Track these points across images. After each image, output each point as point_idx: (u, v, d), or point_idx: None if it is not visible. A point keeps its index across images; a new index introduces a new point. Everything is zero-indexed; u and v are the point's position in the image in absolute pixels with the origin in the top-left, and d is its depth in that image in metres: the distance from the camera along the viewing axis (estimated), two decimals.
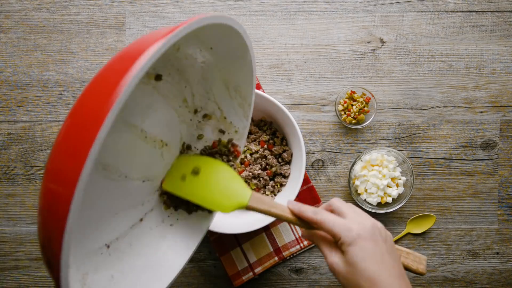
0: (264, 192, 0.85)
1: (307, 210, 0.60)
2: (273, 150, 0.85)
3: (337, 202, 0.62)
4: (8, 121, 0.89)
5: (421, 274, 0.62)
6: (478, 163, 0.90)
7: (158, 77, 0.60)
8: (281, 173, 0.85)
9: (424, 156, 0.90)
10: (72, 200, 0.38)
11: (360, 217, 0.59)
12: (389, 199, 0.85)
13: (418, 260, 0.62)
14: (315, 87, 0.90)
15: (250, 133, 0.86)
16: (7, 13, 0.89)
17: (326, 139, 0.90)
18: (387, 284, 0.54)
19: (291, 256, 0.89)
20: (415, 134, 0.90)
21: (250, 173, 0.84)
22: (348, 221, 0.58)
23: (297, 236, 0.89)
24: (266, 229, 0.89)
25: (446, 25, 0.90)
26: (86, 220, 0.56)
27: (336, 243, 0.57)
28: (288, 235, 0.89)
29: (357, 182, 0.86)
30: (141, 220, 0.65)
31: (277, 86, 0.90)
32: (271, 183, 0.85)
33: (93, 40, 0.89)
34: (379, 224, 0.59)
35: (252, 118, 0.86)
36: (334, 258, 0.57)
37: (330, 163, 0.90)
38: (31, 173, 0.89)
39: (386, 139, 0.90)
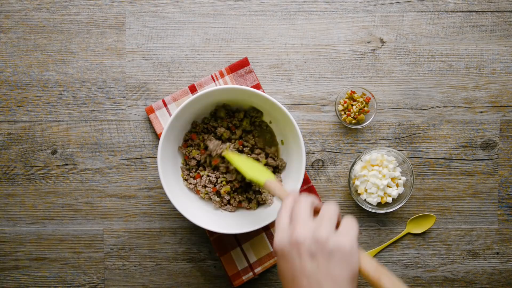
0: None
1: (282, 203, 0.57)
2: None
3: (299, 204, 0.54)
4: (8, 121, 0.89)
5: None
6: (478, 163, 0.90)
7: None
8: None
9: (424, 156, 0.90)
10: None
11: (297, 227, 0.51)
12: (389, 199, 0.85)
13: None
14: (315, 87, 0.90)
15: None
16: (7, 13, 0.89)
17: (326, 139, 0.90)
18: None
19: None
20: (415, 134, 0.90)
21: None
22: (281, 230, 0.52)
23: None
24: (266, 229, 0.89)
25: (446, 25, 0.90)
26: None
27: None
28: None
29: (357, 182, 0.86)
30: None
31: (277, 86, 0.90)
32: None
33: (93, 40, 0.89)
34: (309, 236, 0.49)
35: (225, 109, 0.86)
36: None
37: (330, 163, 0.90)
38: (31, 173, 0.89)
39: (386, 139, 0.90)
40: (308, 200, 0.54)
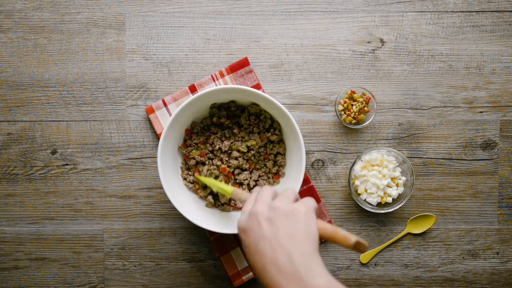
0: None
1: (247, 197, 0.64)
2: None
3: (255, 191, 0.62)
4: (8, 121, 0.89)
5: (348, 247, 0.52)
6: (478, 163, 0.90)
7: None
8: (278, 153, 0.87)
9: (424, 156, 0.90)
10: None
11: (252, 204, 0.57)
12: (389, 199, 0.85)
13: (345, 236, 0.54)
14: (315, 87, 0.90)
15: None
16: (7, 13, 0.89)
17: (326, 139, 0.90)
18: (260, 274, 0.52)
19: None
20: (415, 134, 0.90)
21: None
22: (248, 211, 0.58)
23: None
24: None
25: (446, 25, 0.90)
26: None
27: None
28: None
29: (357, 182, 0.86)
30: None
31: (277, 86, 0.90)
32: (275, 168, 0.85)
33: (93, 40, 0.89)
34: (265, 206, 0.55)
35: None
36: None
37: (330, 163, 0.90)
38: (31, 173, 0.89)
39: (386, 139, 0.90)
40: (270, 188, 0.60)
